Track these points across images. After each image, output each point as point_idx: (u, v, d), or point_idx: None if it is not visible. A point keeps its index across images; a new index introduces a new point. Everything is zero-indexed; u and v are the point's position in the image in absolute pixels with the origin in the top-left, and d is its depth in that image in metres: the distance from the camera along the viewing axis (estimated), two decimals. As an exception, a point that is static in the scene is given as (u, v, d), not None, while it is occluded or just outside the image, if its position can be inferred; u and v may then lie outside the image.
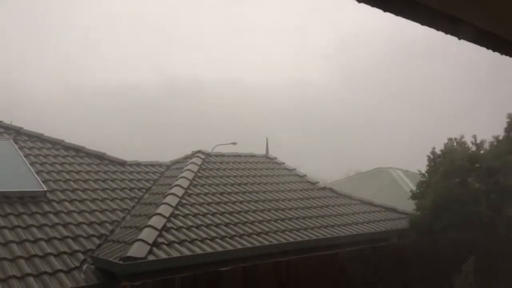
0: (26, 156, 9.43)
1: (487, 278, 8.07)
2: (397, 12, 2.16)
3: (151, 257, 6.46)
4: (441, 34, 2.45)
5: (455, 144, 9.35)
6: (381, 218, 10.20)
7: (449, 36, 2.49)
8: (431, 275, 8.59)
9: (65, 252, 6.95)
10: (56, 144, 10.44)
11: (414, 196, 9.50)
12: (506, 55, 2.67)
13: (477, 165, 8.72)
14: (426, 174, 9.64)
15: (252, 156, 12.53)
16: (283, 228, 8.46)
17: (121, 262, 6.24)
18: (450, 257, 8.79)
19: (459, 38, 2.52)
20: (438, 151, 9.70)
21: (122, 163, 10.59)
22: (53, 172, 9.25)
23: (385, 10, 2.12)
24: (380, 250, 8.40)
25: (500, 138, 9.16)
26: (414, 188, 10.77)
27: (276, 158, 12.76)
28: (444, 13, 2.17)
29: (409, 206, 10.06)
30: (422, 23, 2.28)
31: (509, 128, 9.02)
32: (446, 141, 9.58)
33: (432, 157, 9.58)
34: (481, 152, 9.02)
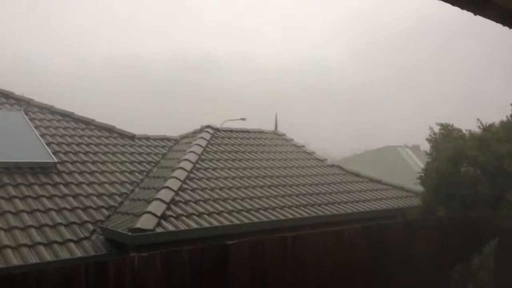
0: (36, 127, 9.50)
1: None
2: None
3: (159, 229, 6.55)
4: (457, 11, 2.38)
5: (449, 130, 9.11)
6: (388, 196, 10.19)
7: (466, 13, 2.42)
8: (438, 253, 8.61)
9: (75, 223, 7.07)
10: (66, 116, 10.50)
11: (421, 180, 9.42)
12: None
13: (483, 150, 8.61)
14: (430, 157, 9.50)
15: (261, 132, 12.51)
16: (290, 204, 8.50)
17: (129, 233, 6.33)
18: (456, 236, 8.81)
19: (475, 14, 2.45)
20: (438, 133, 9.43)
21: (132, 137, 10.65)
22: (63, 144, 9.33)
23: None
24: (386, 227, 8.42)
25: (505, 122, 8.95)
26: (421, 165, 10.65)
27: (284, 134, 12.73)
28: None
29: (417, 184, 10.01)
30: None
31: None
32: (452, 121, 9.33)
33: (433, 140, 9.36)
34: (490, 135, 8.84)
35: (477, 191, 8.30)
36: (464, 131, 9.10)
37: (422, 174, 9.40)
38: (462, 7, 2.36)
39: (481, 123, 9.01)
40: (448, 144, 8.88)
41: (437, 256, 8.58)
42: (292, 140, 12.44)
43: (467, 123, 9.29)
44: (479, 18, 2.49)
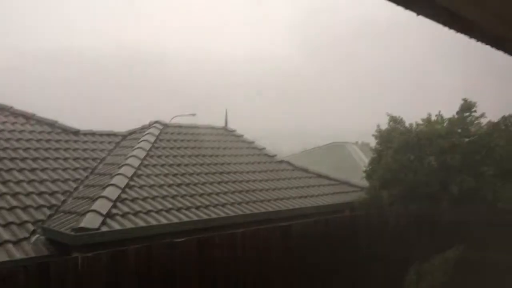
0: (-30, 122, 8.94)
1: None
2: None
3: (104, 228, 6.35)
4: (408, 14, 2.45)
5: (398, 123, 9.48)
6: (335, 191, 10.46)
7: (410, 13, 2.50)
8: (381, 245, 8.95)
9: (13, 223, 6.70)
10: (4, 110, 9.94)
11: (366, 174, 9.74)
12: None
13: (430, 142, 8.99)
14: (376, 152, 9.83)
15: (211, 128, 12.45)
16: (240, 200, 8.52)
17: (72, 233, 6.10)
18: (398, 228, 9.20)
19: (417, 14, 2.55)
20: (382, 128, 9.80)
21: (76, 132, 10.25)
22: (1, 140, 8.82)
23: None
24: (333, 221, 8.65)
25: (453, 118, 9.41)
26: (366, 161, 11.02)
27: (235, 130, 12.73)
28: None
29: (363, 179, 10.35)
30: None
31: (461, 111, 9.31)
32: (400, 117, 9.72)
33: (379, 135, 9.70)
34: (437, 128, 9.24)
35: (419, 178, 8.63)
36: (407, 125, 9.49)
37: (368, 169, 9.73)
38: (406, 7, 2.44)
39: (429, 115, 9.43)
40: (394, 138, 9.21)
41: (380, 248, 8.93)
42: (242, 136, 12.46)
43: (416, 116, 9.72)
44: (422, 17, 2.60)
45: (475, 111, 9.24)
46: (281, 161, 11.53)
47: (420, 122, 9.45)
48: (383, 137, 9.60)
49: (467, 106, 9.27)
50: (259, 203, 8.65)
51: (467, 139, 9.08)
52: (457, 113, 9.34)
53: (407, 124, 9.52)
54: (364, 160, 16.08)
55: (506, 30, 2.48)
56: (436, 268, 8.09)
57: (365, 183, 10.09)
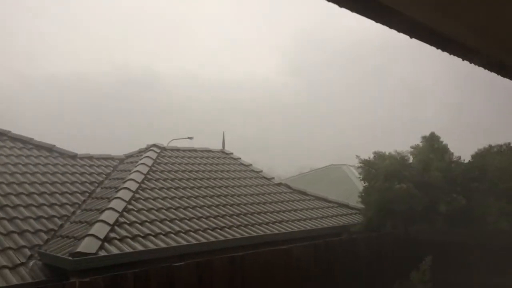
0: (-32, 147, 8.92)
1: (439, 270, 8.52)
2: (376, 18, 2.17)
3: (102, 253, 6.28)
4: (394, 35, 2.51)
5: (386, 154, 9.91)
6: (334, 214, 10.43)
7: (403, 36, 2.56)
8: (380, 268, 8.89)
9: (10, 248, 6.64)
10: (1, 135, 9.95)
11: (362, 200, 9.96)
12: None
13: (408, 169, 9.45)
14: (364, 181, 10.10)
15: (208, 151, 12.46)
16: (238, 223, 8.47)
17: (70, 258, 6.03)
18: (397, 251, 9.16)
19: (410, 37, 2.60)
20: (365, 158, 10.16)
21: (73, 156, 10.24)
22: (-2, 164, 8.80)
23: (368, 17, 2.13)
24: (332, 244, 8.59)
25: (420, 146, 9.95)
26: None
27: (232, 153, 12.75)
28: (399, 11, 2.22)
29: (358, 202, 10.43)
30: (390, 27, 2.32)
31: (427, 139, 9.87)
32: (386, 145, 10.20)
33: (363, 165, 10.02)
34: (410, 158, 9.87)
35: (411, 206, 8.87)
36: (392, 153, 9.82)
37: (362, 194, 9.86)
38: (398, 30, 2.49)
39: (411, 146, 9.88)
40: (380, 165, 9.52)
41: (378, 270, 8.86)
42: (239, 158, 12.47)
43: (399, 144, 10.19)
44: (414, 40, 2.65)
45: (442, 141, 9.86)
46: (279, 184, 11.52)
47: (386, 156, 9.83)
48: (370, 164, 9.86)
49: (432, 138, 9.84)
50: (258, 226, 8.60)
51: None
52: (424, 139, 9.81)
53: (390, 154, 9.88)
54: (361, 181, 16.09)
55: (479, 42, 2.50)
56: (416, 282, 8.19)
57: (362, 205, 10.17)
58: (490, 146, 9.96)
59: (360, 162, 9.92)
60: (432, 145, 9.79)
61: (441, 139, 9.90)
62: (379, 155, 9.85)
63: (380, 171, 9.38)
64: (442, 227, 9.14)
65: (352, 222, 10.09)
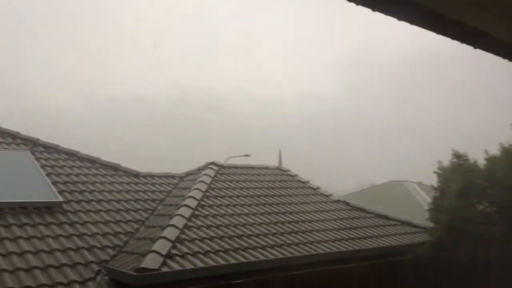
0: (42, 167, 9.55)
1: None
2: (413, 22, 2.14)
3: (164, 269, 6.45)
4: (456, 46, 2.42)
5: (462, 160, 9.12)
6: (396, 232, 10.05)
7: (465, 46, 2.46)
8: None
9: (80, 263, 6.98)
10: (71, 155, 10.56)
11: (431, 214, 9.32)
12: None
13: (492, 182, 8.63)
14: (437, 191, 9.45)
15: (265, 168, 12.51)
16: (297, 241, 8.39)
17: (134, 274, 6.24)
18: (467, 274, 8.63)
19: (475, 47, 2.50)
20: (444, 165, 9.44)
21: (136, 175, 10.66)
22: (68, 183, 9.34)
23: (399, 19, 2.10)
24: (396, 264, 8.26)
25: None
26: (428, 200, 10.60)
27: (289, 170, 12.71)
28: (459, 21, 2.14)
29: (425, 219, 9.89)
30: (437, 32, 2.26)
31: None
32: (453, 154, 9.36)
33: (441, 172, 9.35)
34: (495, 168, 8.85)
35: (489, 228, 8.22)
36: (471, 161, 9.11)
37: (431, 209, 9.31)
38: (461, 41, 2.40)
39: (487, 153, 9.05)
40: (457, 176, 8.83)
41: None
42: (296, 175, 12.41)
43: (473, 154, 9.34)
44: (478, 51, 2.54)
45: None
46: (337, 201, 11.31)
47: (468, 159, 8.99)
48: (445, 174, 9.23)
49: None
50: (317, 244, 8.47)
51: None
52: None
53: (471, 160, 9.13)
54: (425, 199, 15.41)
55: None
56: None
57: (428, 223, 9.63)
58: None
59: (438, 168, 9.27)
60: None
61: None
62: (458, 164, 9.08)
63: (459, 185, 8.67)
64: None
65: (416, 241, 9.66)
